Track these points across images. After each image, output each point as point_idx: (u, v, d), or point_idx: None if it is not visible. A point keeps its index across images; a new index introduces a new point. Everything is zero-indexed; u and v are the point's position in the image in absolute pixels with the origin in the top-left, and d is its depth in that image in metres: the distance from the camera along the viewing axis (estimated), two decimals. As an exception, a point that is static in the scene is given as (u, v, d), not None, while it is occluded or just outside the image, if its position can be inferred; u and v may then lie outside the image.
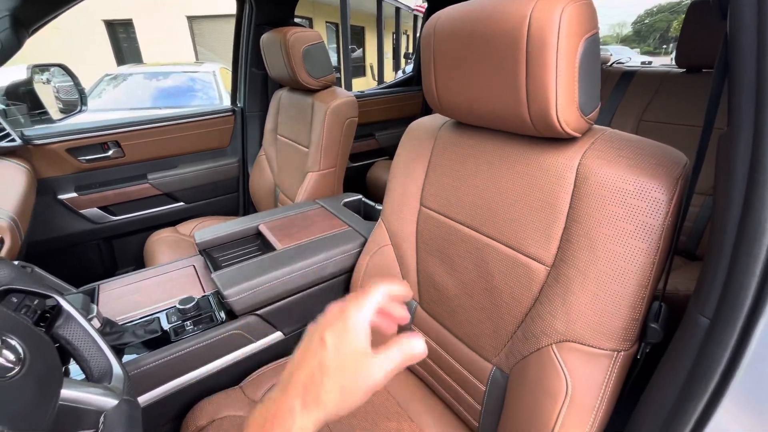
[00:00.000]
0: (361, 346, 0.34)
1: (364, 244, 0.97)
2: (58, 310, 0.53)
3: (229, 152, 1.74)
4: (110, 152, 1.45)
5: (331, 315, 0.36)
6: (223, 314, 0.85)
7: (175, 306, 0.84)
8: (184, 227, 1.53)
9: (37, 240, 1.38)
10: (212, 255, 1.06)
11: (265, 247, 1.06)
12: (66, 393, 0.45)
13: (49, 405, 0.38)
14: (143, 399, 0.73)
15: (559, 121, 0.50)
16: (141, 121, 1.48)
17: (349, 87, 6.56)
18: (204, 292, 0.93)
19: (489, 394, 0.66)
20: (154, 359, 0.74)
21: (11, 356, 0.37)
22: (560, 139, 0.56)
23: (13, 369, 0.36)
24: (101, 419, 0.47)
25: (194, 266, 1.03)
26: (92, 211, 1.46)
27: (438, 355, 0.79)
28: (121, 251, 1.61)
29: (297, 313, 0.93)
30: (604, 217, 0.50)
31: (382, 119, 2.10)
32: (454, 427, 0.75)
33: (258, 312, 0.86)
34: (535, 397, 0.55)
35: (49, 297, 0.52)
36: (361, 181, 2.06)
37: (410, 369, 0.91)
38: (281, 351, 0.92)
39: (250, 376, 0.85)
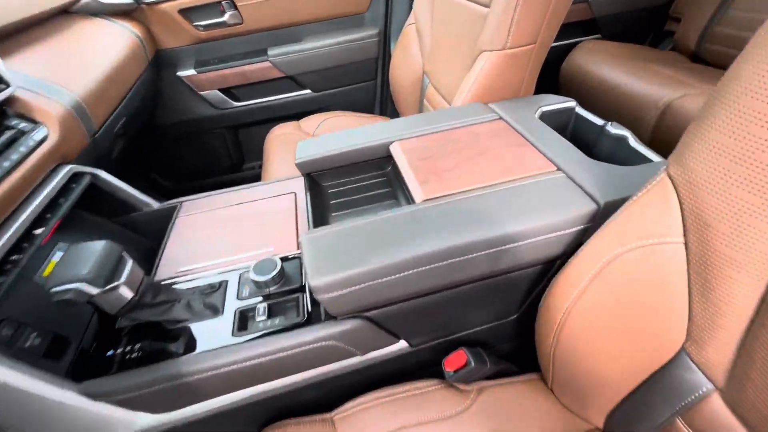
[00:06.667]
0: None
1: (594, 216, 0.46)
2: None
3: (367, 20, 1.26)
4: (226, 16, 1.14)
5: None
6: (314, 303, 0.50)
7: (249, 271, 0.52)
8: (308, 123, 1.21)
9: (165, 123, 1.25)
10: (319, 183, 0.69)
11: (397, 182, 0.64)
12: None
13: None
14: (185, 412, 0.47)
15: None
16: (257, -31, 1.08)
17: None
18: (298, 243, 0.58)
19: None
20: (198, 369, 0.45)
21: None
22: None
23: None
24: None
25: (295, 195, 0.69)
26: (213, 94, 1.23)
27: None
28: (247, 143, 1.43)
29: (440, 318, 0.53)
30: None
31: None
32: None
33: (369, 315, 0.48)
34: None
35: None
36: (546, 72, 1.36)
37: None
38: (404, 368, 0.56)
39: (349, 402, 0.51)
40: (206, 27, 1.15)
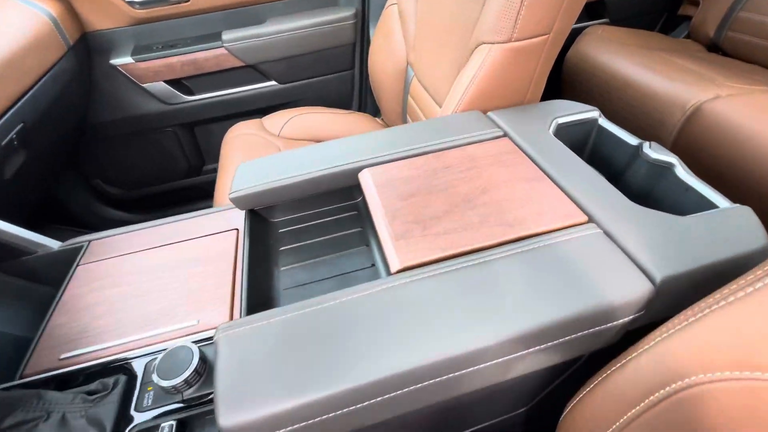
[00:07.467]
0: None
1: (648, 301, 0.31)
2: None
3: (341, -2, 1.07)
4: (168, -9, 0.94)
5: None
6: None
7: (155, 366, 0.36)
8: (272, 120, 1.03)
9: (103, 121, 1.06)
10: (267, 219, 0.53)
11: (370, 220, 0.48)
12: None
13: None
14: None
15: None
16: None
17: None
18: (233, 303, 0.43)
19: None
20: None
21: None
22: None
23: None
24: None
25: (238, 232, 0.53)
26: (159, 87, 1.04)
27: None
28: (206, 142, 1.24)
29: (425, 428, 0.38)
30: None
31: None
32: None
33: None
34: None
35: None
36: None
37: None
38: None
39: None
40: (144, 4, 0.94)
